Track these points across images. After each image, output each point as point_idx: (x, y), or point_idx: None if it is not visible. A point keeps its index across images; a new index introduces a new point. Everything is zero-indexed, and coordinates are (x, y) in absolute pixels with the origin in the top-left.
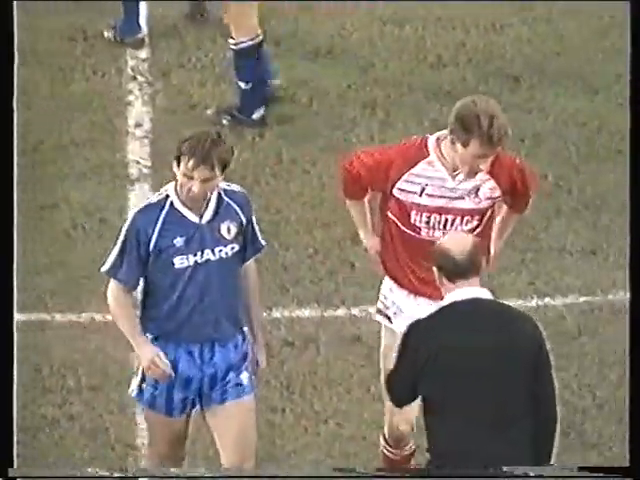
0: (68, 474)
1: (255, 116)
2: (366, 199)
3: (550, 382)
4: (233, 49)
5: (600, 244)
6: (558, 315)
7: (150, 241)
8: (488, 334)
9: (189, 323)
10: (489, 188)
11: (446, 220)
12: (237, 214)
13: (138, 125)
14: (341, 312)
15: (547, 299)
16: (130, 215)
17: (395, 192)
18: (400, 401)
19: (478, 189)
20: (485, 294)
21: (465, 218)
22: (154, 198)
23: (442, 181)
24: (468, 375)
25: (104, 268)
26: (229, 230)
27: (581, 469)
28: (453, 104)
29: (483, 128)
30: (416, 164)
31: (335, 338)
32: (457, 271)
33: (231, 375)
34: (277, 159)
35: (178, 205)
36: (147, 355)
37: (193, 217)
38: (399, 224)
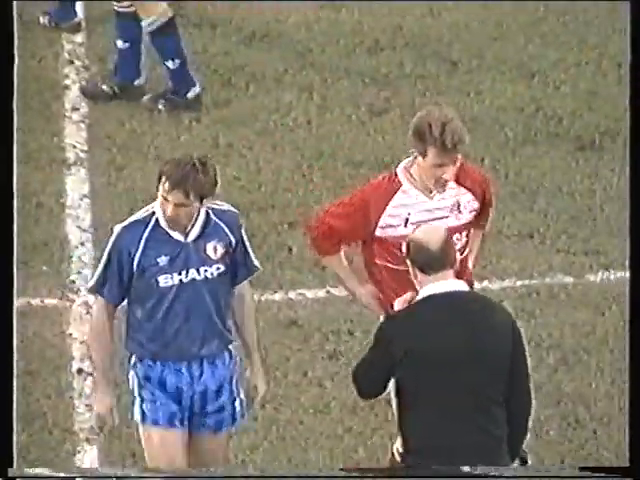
0: (68, 474)
1: (190, 95)
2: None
3: (526, 374)
4: (149, 31)
5: (537, 227)
6: (496, 298)
7: (134, 259)
8: (465, 328)
9: (175, 343)
10: (467, 201)
11: None
12: (226, 234)
13: (75, 109)
14: (278, 296)
15: (484, 283)
16: (115, 231)
17: (379, 232)
18: (367, 394)
19: (459, 204)
20: (461, 286)
21: (455, 236)
22: (140, 214)
23: (422, 204)
24: (444, 370)
25: (89, 284)
26: (215, 250)
27: (582, 469)
28: (390, 88)
29: (435, 135)
30: (393, 196)
31: (272, 322)
32: (432, 264)
33: (221, 399)
34: (214, 143)
35: (163, 223)
36: (102, 408)
37: (178, 236)
38: (391, 265)
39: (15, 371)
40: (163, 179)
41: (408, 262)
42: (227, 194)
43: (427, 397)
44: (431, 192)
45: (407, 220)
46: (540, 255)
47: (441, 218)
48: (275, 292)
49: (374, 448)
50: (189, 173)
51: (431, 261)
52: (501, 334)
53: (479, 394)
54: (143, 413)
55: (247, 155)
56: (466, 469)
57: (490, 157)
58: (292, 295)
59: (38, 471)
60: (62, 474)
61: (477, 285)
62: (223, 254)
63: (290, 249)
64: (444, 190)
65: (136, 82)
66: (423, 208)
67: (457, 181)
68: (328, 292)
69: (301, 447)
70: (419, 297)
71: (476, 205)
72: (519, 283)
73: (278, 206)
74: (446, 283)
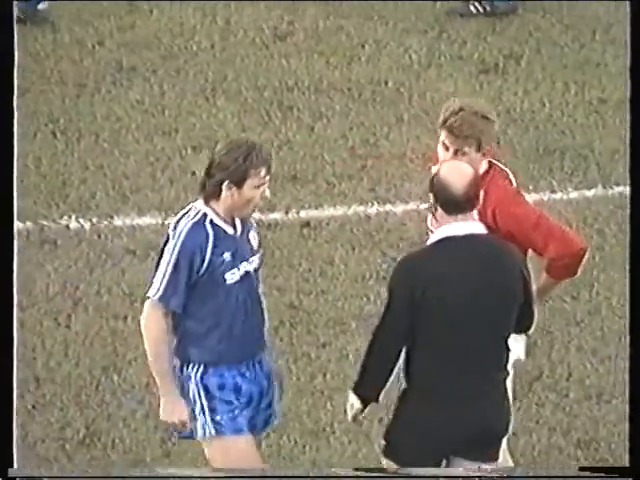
0: (68, 474)
1: (41, 6)
2: None
3: (532, 307)
4: None
5: None
6: (399, 222)
7: (204, 260)
8: (480, 275)
9: (243, 341)
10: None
11: None
12: (250, 221)
13: None
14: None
15: (388, 206)
16: (178, 235)
17: None
18: (395, 345)
19: None
20: (480, 229)
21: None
22: (191, 215)
23: None
24: (458, 310)
25: (153, 295)
26: (255, 238)
27: (582, 469)
28: (294, 12)
29: (445, 115)
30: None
31: None
32: (454, 205)
33: (269, 398)
34: (117, 67)
35: (218, 221)
36: (178, 414)
37: (230, 229)
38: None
39: (15, 371)
40: (257, 170)
41: (430, 195)
42: (130, 118)
43: (439, 340)
44: None
45: None
46: None
47: None
48: None
49: None
50: (262, 148)
51: (454, 202)
52: (515, 279)
53: (491, 337)
54: (219, 425)
55: (151, 79)
56: (465, 468)
57: (394, 80)
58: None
59: (38, 471)
60: (62, 474)
61: (380, 208)
62: (259, 241)
63: (193, 173)
64: None
65: (40, 6)
66: None
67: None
68: None
69: None
70: (435, 237)
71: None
72: (422, 206)
73: (182, 130)
74: (466, 225)
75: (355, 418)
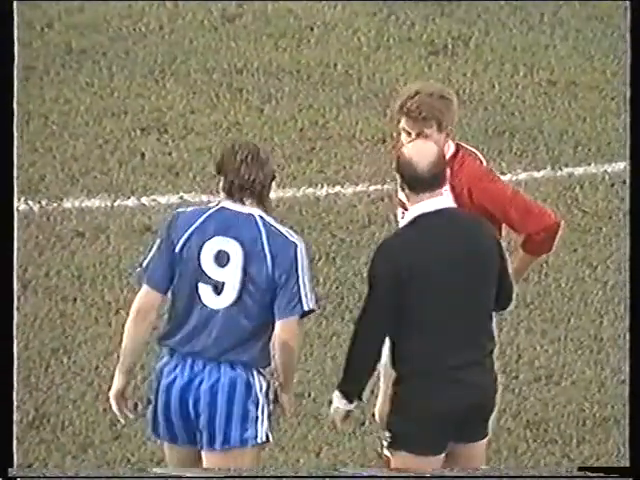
0: (68, 474)
1: None
2: None
3: (509, 278)
4: None
5: (389, 132)
6: (348, 204)
7: None
8: (459, 245)
9: None
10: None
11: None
12: None
13: None
14: (131, 202)
15: (337, 187)
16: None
17: None
18: (383, 332)
19: None
20: (450, 203)
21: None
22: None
23: None
24: (444, 284)
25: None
26: None
27: (581, 469)
28: None
29: (402, 99)
30: None
31: (125, 228)
32: (423, 183)
33: None
34: (67, 49)
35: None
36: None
37: None
38: None
39: (15, 371)
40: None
41: (396, 176)
42: (79, 100)
43: (430, 315)
44: None
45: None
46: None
47: None
48: (128, 198)
49: None
50: None
51: (420, 181)
52: (490, 246)
53: (477, 306)
54: (267, 433)
55: (100, 61)
56: (465, 468)
57: (343, 62)
58: (145, 201)
59: (38, 471)
60: (62, 474)
61: (330, 190)
62: None
63: (143, 155)
64: None
65: None
66: None
67: (451, 170)
68: (181, 198)
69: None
70: (408, 217)
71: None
72: (372, 188)
73: (131, 112)
74: (436, 201)
75: (344, 419)
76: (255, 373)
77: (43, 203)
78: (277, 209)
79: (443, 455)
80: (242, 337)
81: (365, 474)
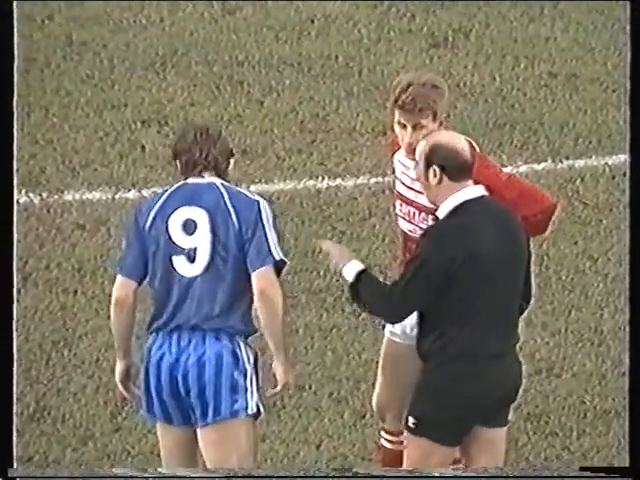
0: (68, 474)
1: None
2: None
3: (530, 270)
4: None
5: (390, 125)
6: (349, 196)
7: None
8: (501, 233)
9: None
10: None
11: (411, 213)
12: None
13: None
14: (131, 195)
15: (338, 180)
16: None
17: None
18: (401, 313)
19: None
20: (485, 191)
21: (421, 215)
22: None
23: (408, 170)
24: (491, 275)
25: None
26: None
27: (582, 469)
28: None
29: (396, 92)
30: (399, 149)
31: (126, 221)
32: (467, 169)
33: None
34: (67, 41)
35: None
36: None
37: None
38: (398, 221)
39: (15, 371)
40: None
41: (433, 168)
42: (80, 92)
43: (479, 302)
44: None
45: (401, 177)
46: None
47: (418, 192)
48: (129, 190)
49: None
50: None
51: (465, 167)
52: (523, 236)
53: (514, 295)
54: (257, 405)
55: (101, 53)
56: (466, 469)
57: (344, 54)
58: (146, 193)
59: (38, 471)
60: (62, 474)
61: (331, 182)
62: None
63: (143, 147)
64: (414, 154)
65: None
66: (410, 174)
67: None
68: None
69: None
70: (450, 205)
71: None
72: (373, 180)
73: (131, 104)
74: (475, 188)
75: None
76: (242, 343)
77: (44, 195)
78: (278, 201)
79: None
80: (222, 302)
81: (366, 474)
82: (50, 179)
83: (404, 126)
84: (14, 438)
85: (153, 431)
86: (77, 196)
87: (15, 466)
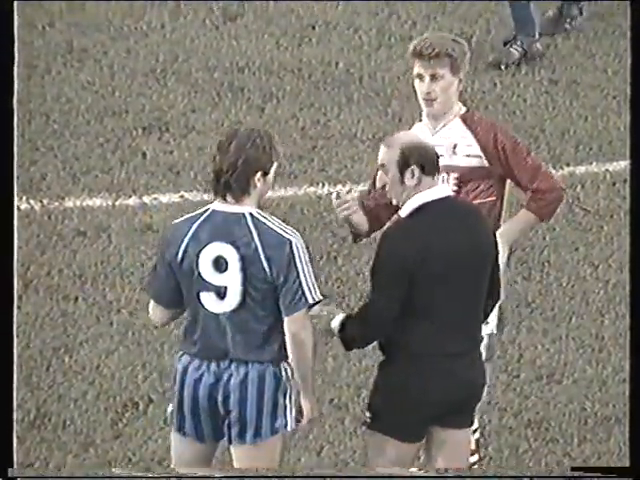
0: (68, 474)
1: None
2: None
3: (499, 268)
4: None
5: (390, 131)
6: None
7: None
8: (462, 234)
9: None
10: (466, 145)
11: None
12: None
13: None
14: (132, 201)
15: (339, 186)
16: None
17: None
18: (382, 322)
19: (455, 145)
20: (450, 191)
21: (442, 176)
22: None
23: (426, 138)
24: (446, 275)
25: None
26: None
27: (574, 469)
28: None
29: (414, 43)
30: (414, 123)
31: (126, 227)
32: (434, 164)
33: None
34: (68, 48)
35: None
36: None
37: None
38: None
39: (16, 378)
40: (275, 155)
41: (412, 169)
42: (81, 99)
43: (432, 302)
44: (435, 128)
45: None
46: None
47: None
48: (129, 197)
49: None
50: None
51: (433, 161)
52: (489, 237)
53: (474, 296)
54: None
55: (101, 60)
56: (457, 469)
57: (344, 61)
58: (146, 200)
59: (38, 471)
60: (62, 474)
61: (331, 188)
62: None
63: (144, 154)
64: (432, 108)
65: None
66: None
67: (465, 122)
68: (182, 197)
69: (155, 351)
70: (413, 205)
71: (473, 152)
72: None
73: (132, 111)
74: (441, 188)
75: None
76: (282, 363)
77: (44, 202)
78: (278, 207)
79: (420, 443)
80: (256, 339)
81: (362, 474)
82: (51, 186)
83: (422, 77)
84: (14, 444)
85: (154, 437)
86: (78, 203)
87: (15, 466)
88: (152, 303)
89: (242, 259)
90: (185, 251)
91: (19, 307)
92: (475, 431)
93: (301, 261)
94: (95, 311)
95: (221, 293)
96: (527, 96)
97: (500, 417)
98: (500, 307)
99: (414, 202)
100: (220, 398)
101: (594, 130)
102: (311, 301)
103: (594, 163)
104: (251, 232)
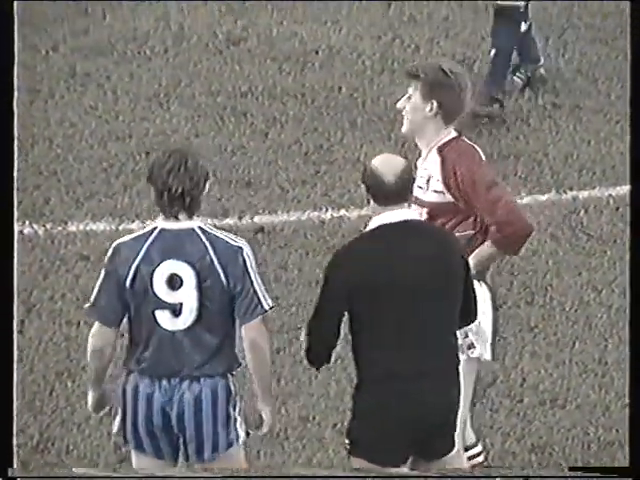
0: (68, 474)
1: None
2: None
3: (473, 289)
4: None
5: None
6: (353, 227)
7: None
8: (420, 258)
9: None
10: (436, 179)
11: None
12: None
13: None
14: (135, 225)
15: (342, 211)
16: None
17: None
18: (321, 349)
19: (429, 179)
20: (414, 215)
21: (412, 206)
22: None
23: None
24: (398, 298)
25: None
26: None
27: (572, 469)
28: (247, 17)
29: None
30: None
31: None
32: (387, 195)
33: None
34: (71, 72)
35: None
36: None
37: None
38: None
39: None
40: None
41: (363, 187)
42: (84, 124)
43: (383, 325)
44: (423, 157)
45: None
46: None
47: (418, 186)
48: (132, 221)
49: None
50: None
51: (387, 192)
52: (454, 261)
53: (435, 320)
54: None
55: (104, 84)
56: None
57: (347, 86)
58: (150, 225)
59: (37, 471)
60: (62, 474)
61: (334, 213)
62: None
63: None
64: (403, 126)
65: None
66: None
67: (439, 153)
68: None
69: None
70: (370, 226)
71: (440, 187)
72: None
73: (135, 135)
74: (400, 212)
75: None
76: (230, 377)
77: (48, 226)
78: (282, 232)
79: (405, 466)
80: (211, 352)
81: (357, 474)
82: (54, 210)
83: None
84: (14, 444)
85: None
86: (81, 227)
87: (15, 466)
88: (96, 326)
89: (197, 274)
90: (136, 271)
91: (22, 332)
92: (480, 454)
93: (252, 268)
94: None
95: (176, 310)
96: (530, 120)
97: (503, 441)
98: (493, 333)
99: (373, 223)
100: (174, 415)
101: (597, 155)
102: (267, 307)
103: (597, 188)
104: (205, 245)
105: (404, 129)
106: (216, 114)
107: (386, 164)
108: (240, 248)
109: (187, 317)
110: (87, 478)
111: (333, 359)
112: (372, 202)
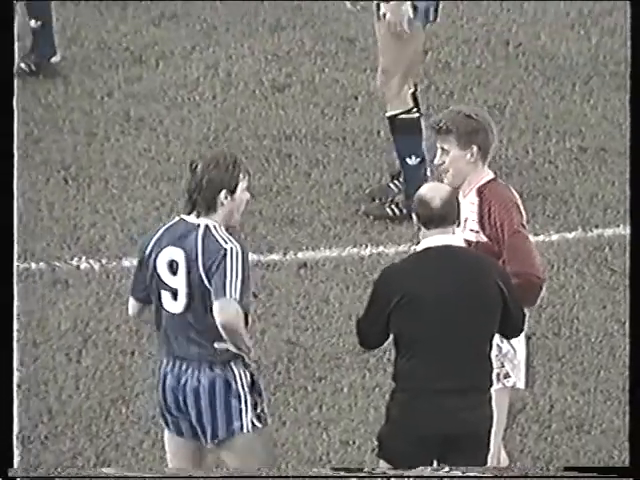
0: (68, 474)
1: (53, 60)
2: None
3: (516, 310)
4: None
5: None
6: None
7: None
8: (458, 280)
9: None
10: (472, 219)
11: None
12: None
13: None
14: None
15: (381, 247)
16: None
17: None
18: (368, 343)
19: (467, 219)
20: (457, 241)
21: (457, 231)
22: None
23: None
24: (435, 316)
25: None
26: None
27: (567, 469)
28: (291, 65)
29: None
30: None
31: None
32: (432, 220)
33: None
34: (125, 117)
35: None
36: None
37: None
38: None
39: (16, 371)
40: (241, 174)
41: (413, 216)
42: (138, 165)
43: (421, 340)
44: (462, 196)
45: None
46: None
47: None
48: None
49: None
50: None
51: (432, 217)
52: (489, 285)
53: (469, 339)
54: (260, 417)
55: (157, 128)
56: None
57: (385, 129)
58: None
59: (38, 471)
60: (62, 474)
61: (374, 250)
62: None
63: None
64: (445, 178)
65: (52, 60)
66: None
67: (478, 194)
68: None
69: None
70: (418, 249)
71: (476, 227)
72: (413, 248)
73: (186, 176)
74: (444, 237)
75: None
76: (235, 368)
77: (103, 262)
78: (323, 267)
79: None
80: (208, 335)
81: (358, 474)
82: (109, 246)
83: (437, 147)
84: (14, 444)
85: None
86: (135, 262)
87: (15, 466)
88: (130, 300)
89: (187, 261)
90: (150, 253)
91: (79, 360)
92: None
93: (232, 267)
94: (150, 364)
95: (175, 294)
96: (558, 162)
97: (533, 465)
98: (526, 363)
99: (420, 246)
100: (181, 399)
101: (621, 195)
102: (227, 296)
103: (621, 226)
104: (197, 240)
105: (448, 182)
106: (262, 156)
107: (433, 190)
108: (225, 248)
109: (181, 302)
110: (89, 478)
111: (372, 386)
112: (421, 227)
